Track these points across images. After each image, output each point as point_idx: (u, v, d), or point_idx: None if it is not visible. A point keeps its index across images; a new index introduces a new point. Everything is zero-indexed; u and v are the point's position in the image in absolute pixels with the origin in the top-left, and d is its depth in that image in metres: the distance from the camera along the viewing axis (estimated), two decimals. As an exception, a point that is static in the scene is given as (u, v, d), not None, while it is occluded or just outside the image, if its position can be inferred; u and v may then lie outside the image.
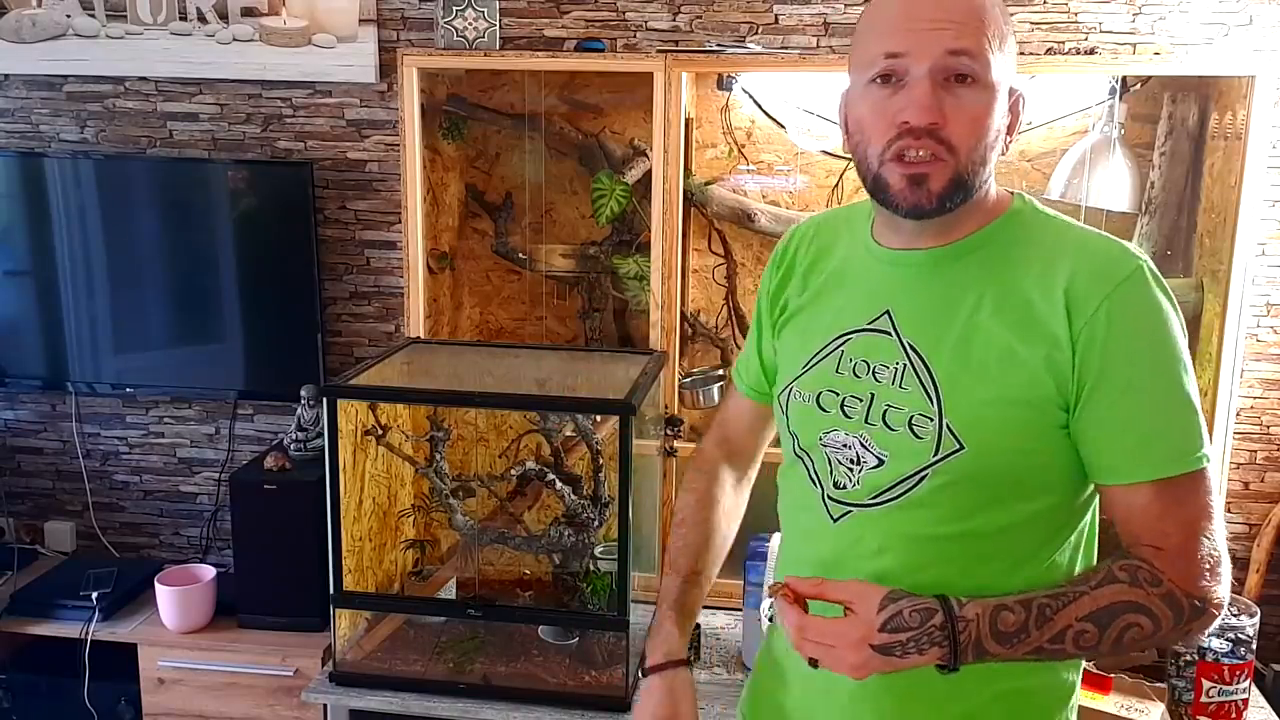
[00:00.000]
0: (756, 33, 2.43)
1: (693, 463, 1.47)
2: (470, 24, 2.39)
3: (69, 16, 2.63)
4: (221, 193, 2.62)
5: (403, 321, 2.53)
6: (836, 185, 2.38)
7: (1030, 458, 1.09)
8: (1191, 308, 2.33)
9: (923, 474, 1.10)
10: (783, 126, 2.39)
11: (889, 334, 1.15)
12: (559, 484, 2.15)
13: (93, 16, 2.62)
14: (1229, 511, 2.38)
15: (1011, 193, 1.17)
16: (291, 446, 2.48)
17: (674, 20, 2.47)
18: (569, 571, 2.22)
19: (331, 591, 2.16)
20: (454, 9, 2.38)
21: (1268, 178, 2.26)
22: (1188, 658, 1.98)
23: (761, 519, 1.52)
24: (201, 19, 2.59)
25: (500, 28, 2.43)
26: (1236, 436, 2.31)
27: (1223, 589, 1.08)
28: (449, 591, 2.39)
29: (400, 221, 2.49)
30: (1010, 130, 1.12)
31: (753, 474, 1.48)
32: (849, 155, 1.16)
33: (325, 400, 2.10)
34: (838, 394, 1.17)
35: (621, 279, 2.51)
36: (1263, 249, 2.34)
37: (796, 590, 1.07)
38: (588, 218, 2.54)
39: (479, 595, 2.33)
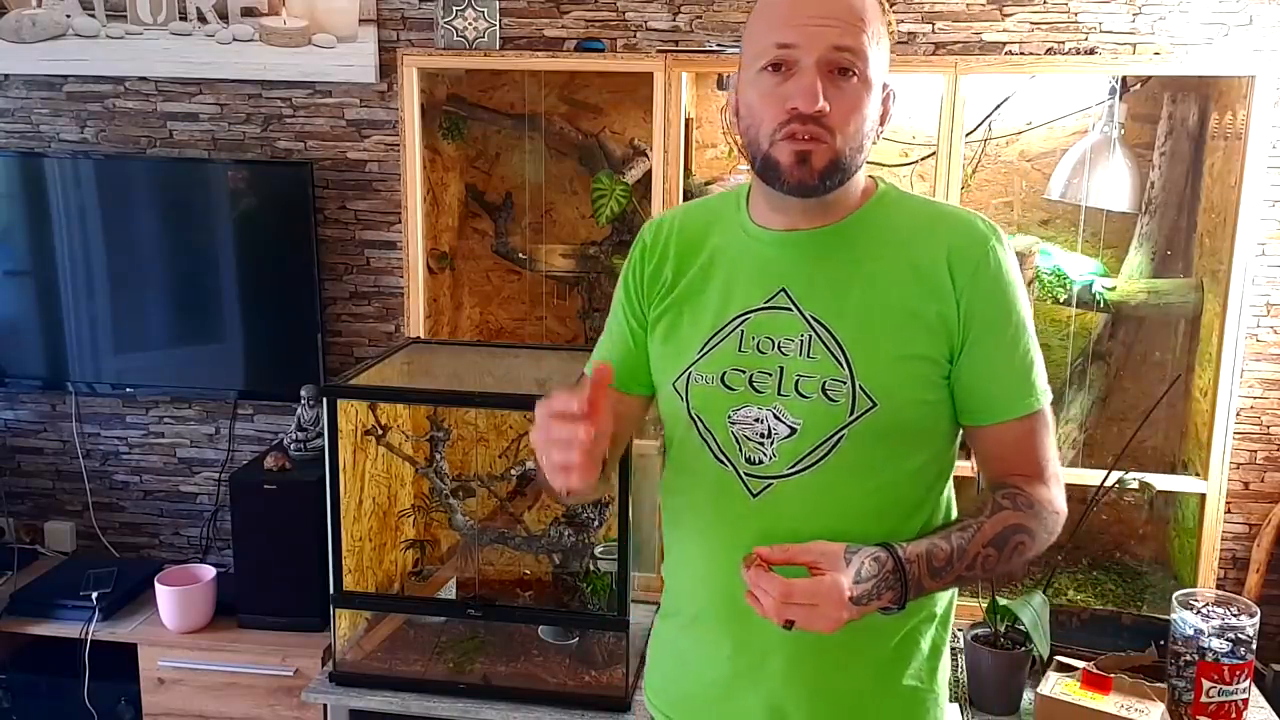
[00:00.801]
0: (756, 33, 2.42)
1: None
2: (470, 24, 2.39)
3: (69, 16, 2.63)
4: (221, 193, 2.62)
5: (403, 321, 2.53)
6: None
7: (930, 408, 1.22)
8: (1191, 308, 2.33)
9: (839, 435, 1.20)
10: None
11: (789, 309, 1.23)
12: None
13: (93, 16, 2.62)
14: (1229, 512, 2.38)
15: (874, 179, 1.29)
16: (291, 446, 2.48)
17: (674, 20, 2.47)
18: (569, 571, 2.22)
19: (331, 591, 2.16)
20: (454, 9, 2.38)
21: (1268, 178, 2.26)
22: (1188, 658, 1.98)
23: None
24: (201, 19, 2.59)
25: (500, 28, 2.43)
26: (1236, 436, 2.31)
27: (1064, 497, 1.26)
28: (449, 591, 2.39)
29: (400, 221, 2.49)
30: (882, 121, 1.23)
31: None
32: (741, 133, 1.24)
33: (325, 400, 2.10)
34: (744, 371, 1.23)
35: (621, 279, 2.51)
36: (1263, 249, 2.34)
37: (768, 560, 1.13)
38: (588, 218, 2.54)
39: (479, 595, 2.33)
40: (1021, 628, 2.02)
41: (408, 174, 2.38)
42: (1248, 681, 1.99)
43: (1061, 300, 2.36)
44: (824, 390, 1.19)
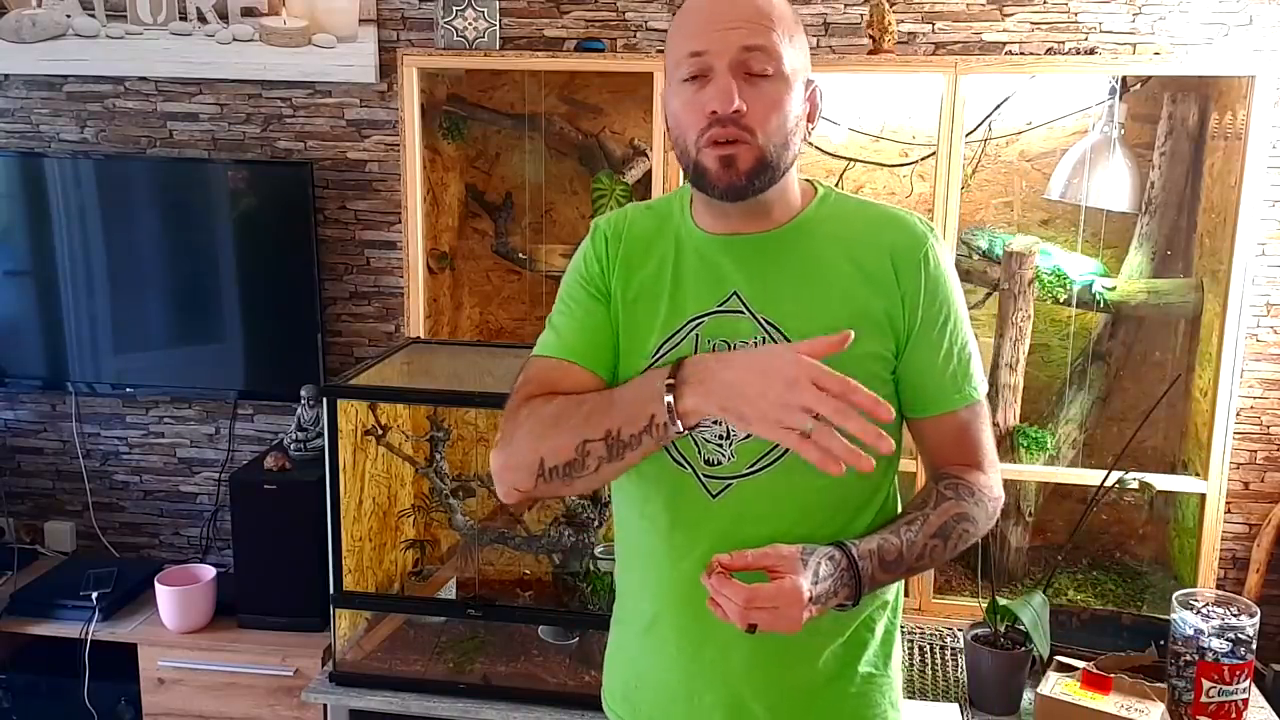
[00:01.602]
0: (756, 33, 2.42)
1: (538, 395, 1.25)
2: (470, 24, 2.39)
3: (69, 16, 2.63)
4: (221, 193, 2.62)
5: (403, 321, 2.53)
6: (837, 184, 2.38)
7: None
8: (1191, 308, 2.33)
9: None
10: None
11: (742, 313, 1.24)
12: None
13: (93, 16, 2.62)
14: (1229, 512, 2.38)
15: (811, 182, 1.31)
16: (291, 446, 2.48)
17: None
18: (569, 571, 2.22)
19: (331, 591, 2.16)
20: (454, 9, 2.38)
21: (1268, 178, 2.26)
22: (1188, 658, 1.98)
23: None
24: (201, 19, 2.59)
25: (500, 28, 2.43)
26: (1236, 436, 2.31)
27: (1001, 484, 1.31)
28: (449, 591, 2.39)
29: (400, 221, 2.49)
30: (810, 118, 1.25)
31: None
32: (673, 144, 1.24)
33: (325, 400, 2.10)
34: None
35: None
36: (1263, 249, 2.34)
37: (728, 567, 1.14)
38: (588, 218, 2.53)
39: (479, 595, 2.33)
40: (1021, 628, 2.02)
41: (408, 174, 2.38)
42: (1248, 681, 1.99)
43: (1061, 300, 2.36)
44: None
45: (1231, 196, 2.14)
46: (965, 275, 2.30)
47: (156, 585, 2.45)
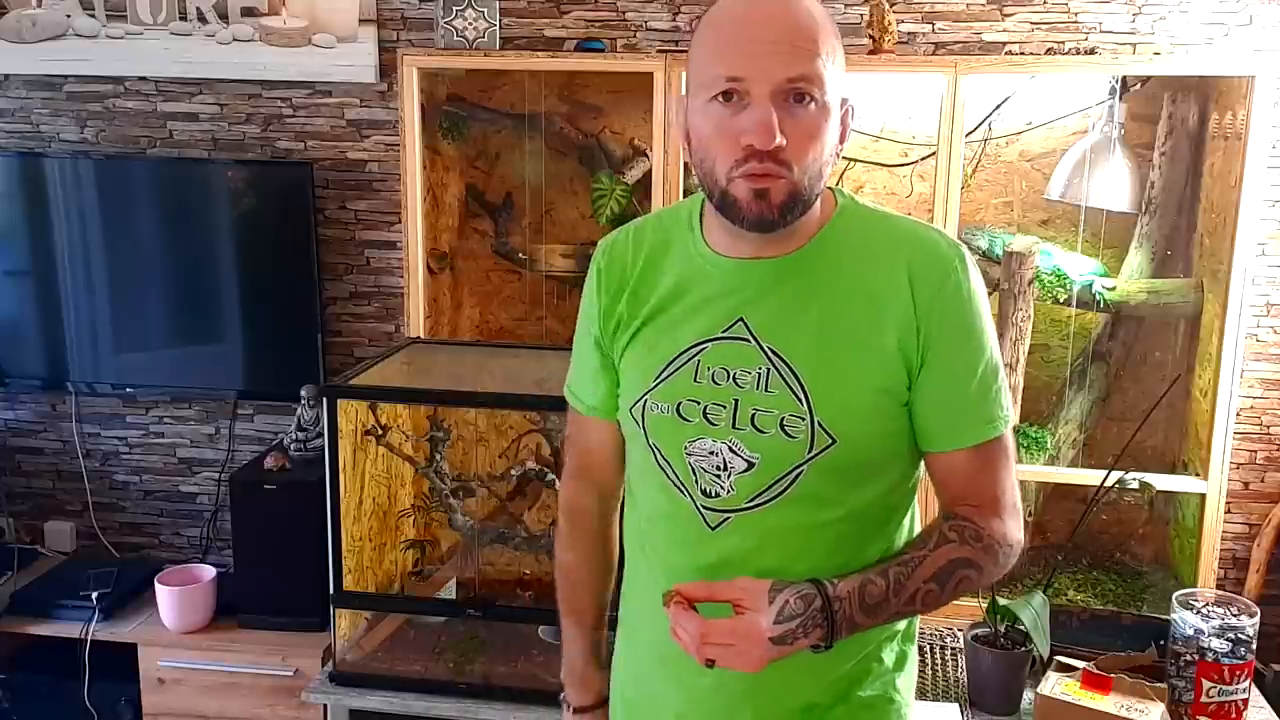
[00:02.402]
0: (756, 33, 2.42)
1: (567, 515, 1.45)
2: (470, 24, 2.39)
3: (69, 16, 2.63)
4: (221, 193, 2.62)
5: (403, 321, 2.53)
6: (837, 184, 2.37)
7: (890, 438, 1.19)
8: (1191, 308, 2.33)
9: (798, 470, 1.17)
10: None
11: (747, 340, 1.19)
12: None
13: (93, 16, 2.62)
14: (1229, 512, 2.38)
15: (830, 190, 1.22)
16: (291, 446, 2.48)
17: (674, 20, 2.47)
18: (569, 571, 2.22)
19: (331, 591, 2.16)
20: (454, 9, 2.37)
21: (1268, 178, 2.26)
22: (1188, 658, 1.98)
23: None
24: (201, 19, 2.59)
25: (500, 28, 2.43)
26: (1236, 436, 2.31)
27: (1022, 529, 1.22)
28: (449, 591, 2.39)
29: (400, 221, 2.49)
30: (842, 140, 1.17)
31: (621, 494, 1.43)
32: (695, 164, 1.18)
33: (325, 400, 2.10)
34: (699, 403, 1.20)
35: (621, 279, 2.51)
36: (1263, 249, 2.34)
37: (689, 596, 1.12)
38: (588, 218, 2.54)
39: (479, 595, 2.33)
40: (1021, 628, 2.02)
41: (408, 174, 2.38)
42: (1248, 681, 1.99)
43: (1061, 300, 2.36)
44: (782, 426, 1.16)
45: (1231, 196, 2.14)
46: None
47: (156, 585, 2.45)
